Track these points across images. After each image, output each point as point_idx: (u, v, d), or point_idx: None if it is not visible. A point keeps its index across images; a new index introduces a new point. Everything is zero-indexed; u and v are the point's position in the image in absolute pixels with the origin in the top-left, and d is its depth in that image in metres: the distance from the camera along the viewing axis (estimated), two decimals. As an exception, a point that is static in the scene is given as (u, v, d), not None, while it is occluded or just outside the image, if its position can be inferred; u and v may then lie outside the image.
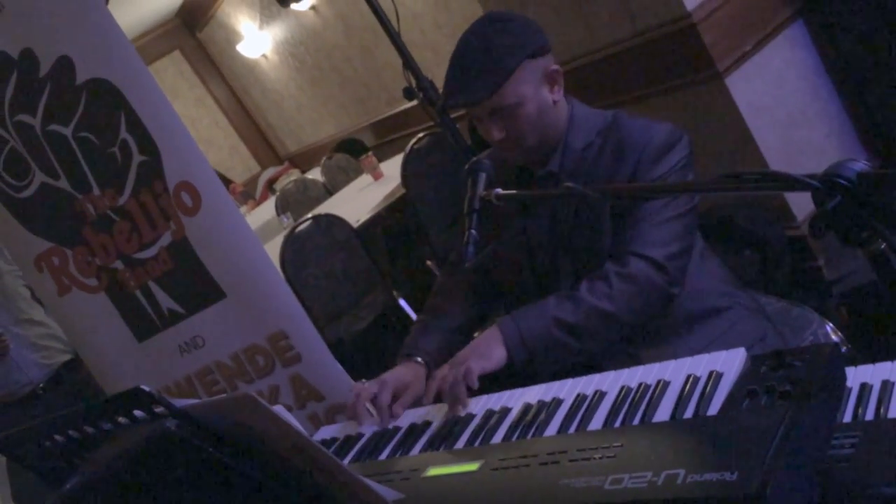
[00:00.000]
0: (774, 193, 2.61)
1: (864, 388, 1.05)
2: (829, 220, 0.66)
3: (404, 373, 1.54)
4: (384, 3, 2.70)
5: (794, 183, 0.72)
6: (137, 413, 0.87)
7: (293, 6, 6.38)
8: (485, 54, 1.47)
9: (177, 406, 0.83)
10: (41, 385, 2.87)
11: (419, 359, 1.58)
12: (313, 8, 6.32)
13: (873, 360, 1.12)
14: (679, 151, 1.51)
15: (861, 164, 0.68)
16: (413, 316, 3.90)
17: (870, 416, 1.01)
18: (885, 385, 1.04)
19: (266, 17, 7.38)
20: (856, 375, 1.08)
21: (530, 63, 1.50)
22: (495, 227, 1.62)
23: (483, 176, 1.28)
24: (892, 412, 1.00)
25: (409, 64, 2.62)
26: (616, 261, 1.48)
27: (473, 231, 1.22)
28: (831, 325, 1.65)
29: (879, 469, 0.88)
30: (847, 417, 1.02)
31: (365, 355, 3.81)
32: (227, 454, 0.81)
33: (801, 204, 2.64)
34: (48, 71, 2.26)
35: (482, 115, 1.53)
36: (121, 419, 0.90)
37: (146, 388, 0.83)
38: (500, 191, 1.23)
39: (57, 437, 1.00)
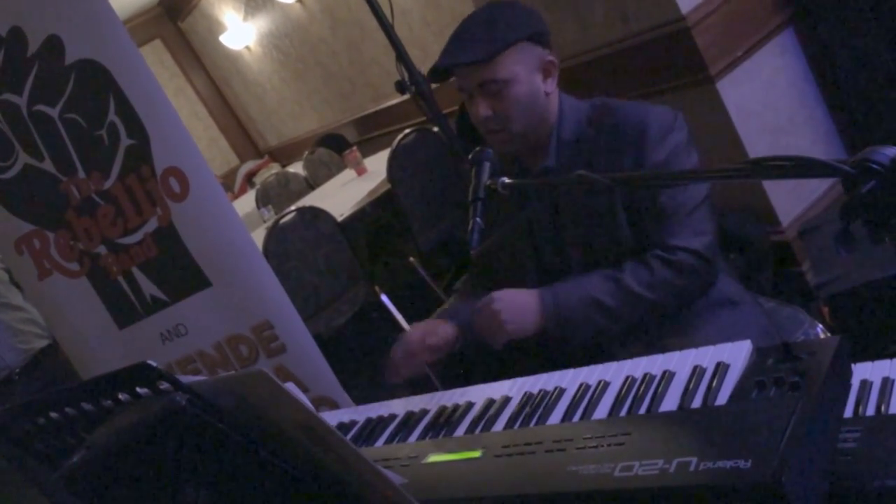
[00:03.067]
0: (763, 197, 2.64)
1: (865, 385, 1.06)
2: (862, 206, 0.67)
3: (429, 321, 1.60)
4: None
5: (826, 168, 0.72)
6: (140, 390, 0.86)
7: (279, -2, 6.35)
8: (486, 24, 1.51)
9: (184, 382, 0.81)
10: (17, 370, 2.82)
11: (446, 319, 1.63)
12: (300, 1, 6.28)
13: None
14: (679, 130, 1.54)
15: (895, 150, 0.68)
16: (394, 311, 3.87)
17: (870, 412, 1.02)
18: (886, 382, 1.05)
19: (251, 8, 7.31)
20: (855, 372, 1.08)
21: (528, 45, 1.53)
22: (497, 219, 1.62)
23: (487, 165, 1.28)
24: (893, 409, 1.01)
25: (402, 57, 2.60)
26: (661, 250, 1.50)
27: (478, 219, 1.22)
28: (821, 325, 1.67)
29: (883, 463, 0.89)
30: (848, 413, 1.02)
31: (343, 351, 3.79)
32: (236, 432, 0.79)
33: (786, 209, 2.67)
34: (37, 50, 2.23)
35: (472, 87, 1.54)
36: (122, 396, 0.89)
37: (153, 364, 0.82)
38: (505, 180, 1.22)
39: (52, 414, 0.98)
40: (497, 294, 1.52)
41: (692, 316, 1.55)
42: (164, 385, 0.83)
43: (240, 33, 7.73)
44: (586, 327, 1.49)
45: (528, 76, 1.53)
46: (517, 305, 1.51)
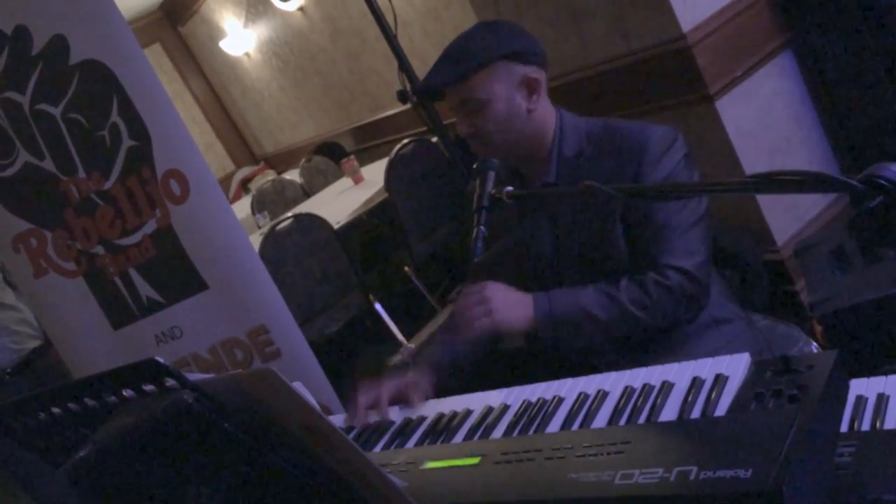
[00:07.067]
0: (758, 216, 2.66)
1: (860, 401, 1.07)
2: (869, 221, 0.68)
3: (411, 375, 1.54)
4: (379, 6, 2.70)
5: (836, 183, 0.73)
6: (146, 387, 0.86)
7: (280, 6, 6.38)
8: (462, 47, 1.55)
9: (191, 380, 0.82)
10: (8, 370, 2.81)
11: (426, 367, 1.59)
12: (301, 9, 6.31)
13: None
14: (679, 150, 1.55)
15: (902, 167, 0.70)
16: (388, 320, 3.89)
17: (866, 427, 1.03)
18: (881, 398, 1.06)
19: (252, 15, 7.34)
20: (851, 388, 1.10)
21: (506, 64, 1.55)
22: (499, 229, 1.63)
23: (492, 174, 1.29)
24: (888, 424, 1.02)
25: (404, 67, 2.62)
26: (654, 268, 1.51)
27: (482, 227, 1.23)
28: (815, 343, 1.69)
29: (879, 477, 0.90)
30: (843, 428, 1.04)
31: (335, 358, 3.79)
32: (242, 431, 0.80)
33: (781, 228, 2.69)
34: (41, 49, 2.23)
35: (454, 105, 1.59)
36: (127, 393, 0.89)
37: (160, 360, 0.82)
38: (510, 189, 1.23)
39: (55, 409, 0.98)
40: (491, 283, 1.53)
41: (682, 336, 1.56)
42: (171, 382, 0.83)
43: (240, 40, 7.75)
44: (577, 337, 1.50)
45: (507, 94, 1.55)
46: (510, 298, 1.51)
